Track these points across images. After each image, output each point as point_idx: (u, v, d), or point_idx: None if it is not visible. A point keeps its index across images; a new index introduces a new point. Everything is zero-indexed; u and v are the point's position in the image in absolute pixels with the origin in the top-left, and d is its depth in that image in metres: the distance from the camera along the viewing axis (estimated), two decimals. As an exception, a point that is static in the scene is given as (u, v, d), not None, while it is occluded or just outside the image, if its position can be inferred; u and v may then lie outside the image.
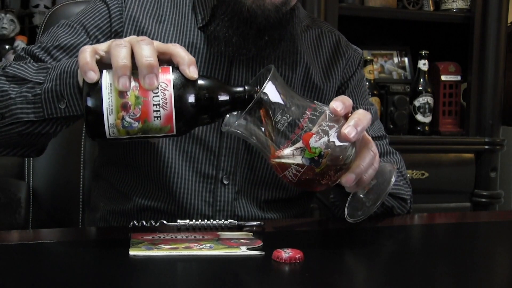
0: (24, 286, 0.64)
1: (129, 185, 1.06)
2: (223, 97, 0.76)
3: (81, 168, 1.32)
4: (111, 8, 1.02)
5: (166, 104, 0.72)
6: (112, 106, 0.71)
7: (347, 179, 0.78)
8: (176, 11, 1.05)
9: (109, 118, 0.71)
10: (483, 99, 2.16)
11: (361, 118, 0.76)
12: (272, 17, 0.96)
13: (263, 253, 0.75)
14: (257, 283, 0.69)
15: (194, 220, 0.88)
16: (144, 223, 0.86)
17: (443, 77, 2.20)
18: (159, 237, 0.81)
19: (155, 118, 0.72)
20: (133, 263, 0.72)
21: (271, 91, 0.75)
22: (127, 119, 0.71)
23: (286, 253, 0.72)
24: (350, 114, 0.78)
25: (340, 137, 0.75)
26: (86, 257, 0.76)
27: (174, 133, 0.74)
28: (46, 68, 0.86)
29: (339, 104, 0.76)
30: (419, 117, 2.17)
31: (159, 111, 0.72)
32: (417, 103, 2.16)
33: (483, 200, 2.15)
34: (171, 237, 0.82)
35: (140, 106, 0.71)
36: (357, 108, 1.11)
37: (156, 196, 1.04)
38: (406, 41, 2.37)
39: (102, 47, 0.75)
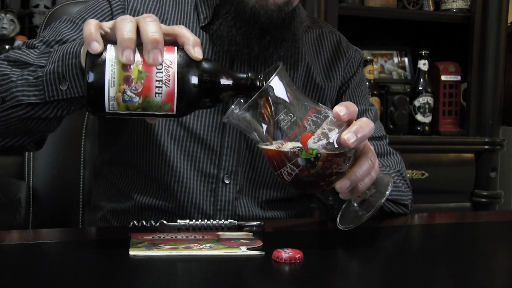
0: (24, 286, 0.64)
1: (129, 184, 1.06)
2: (225, 81, 0.76)
3: (81, 168, 1.32)
4: (113, 6, 1.03)
5: (169, 81, 0.72)
6: (114, 78, 0.70)
7: (341, 185, 0.77)
8: (178, 10, 1.05)
9: (110, 91, 0.70)
10: (483, 99, 2.16)
11: (363, 126, 0.75)
12: (275, 17, 0.96)
13: (263, 253, 0.75)
14: (257, 283, 0.69)
15: (194, 220, 0.88)
16: (144, 223, 0.86)
17: (443, 77, 2.20)
18: (159, 237, 0.81)
19: (157, 95, 0.72)
20: (133, 263, 0.72)
21: (276, 86, 0.75)
22: (128, 93, 0.71)
23: (286, 253, 0.72)
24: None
25: (339, 142, 0.74)
26: (86, 257, 0.76)
27: (174, 112, 0.74)
28: (48, 52, 0.86)
29: (342, 109, 0.75)
30: (419, 117, 2.17)
31: (161, 87, 0.71)
32: (417, 103, 2.16)
33: (483, 200, 2.15)
34: (171, 237, 0.82)
35: (142, 81, 0.71)
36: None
37: (157, 195, 1.04)
38: (406, 41, 2.37)
39: (107, 24, 0.75)
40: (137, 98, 0.71)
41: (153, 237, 0.81)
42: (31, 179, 1.31)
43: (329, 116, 0.76)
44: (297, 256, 0.72)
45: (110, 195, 1.10)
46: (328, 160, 0.75)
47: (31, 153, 1.31)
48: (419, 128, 2.17)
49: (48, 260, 0.76)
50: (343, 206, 0.87)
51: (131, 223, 0.86)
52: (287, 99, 0.75)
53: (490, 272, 0.77)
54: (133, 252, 0.74)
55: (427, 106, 2.16)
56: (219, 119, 1.03)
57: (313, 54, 1.12)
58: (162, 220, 0.88)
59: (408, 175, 2.02)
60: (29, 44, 0.99)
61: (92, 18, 1.01)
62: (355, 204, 0.84)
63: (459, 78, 2.21)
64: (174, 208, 1.03)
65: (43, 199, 1.32)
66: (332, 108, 0.77)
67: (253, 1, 0.95)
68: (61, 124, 0.99)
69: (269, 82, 0.74)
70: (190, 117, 1.02)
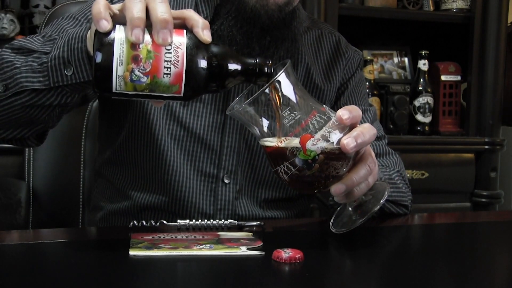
0: (24, 286, 0.64)
1: (129, 184, 1.06)
2: (233, 65, 0.75)
3: (81, 168, 1.32)
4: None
5: (178, 62, 0.71)
6: (122, 57, 0.70)
7: (336, 189, 0.77)
8: (179, 9, 1.05)
9: (118, 70, 0.70)
10: (483, 99, 2.16)
11: (364, 132, 0.75)
12: (275, 17, 0.96)
13: (263, 253, 0.75)
14: (257, 283, 0.69)
15: (194, 220, 0.88)
16: (144, 223, 0.86)
17: (443, 77, 2.20)
18: (159, 237, 0.81)
19: (165, 75, 0.71)
20: (133, 263, 0.72)
21: (283, 82, 0.75)
22: (136, 72, 0.70)
23: (286, 253, 0.72)
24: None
25: (339, 146, 0.74)
26: (86, 257, 0.76)
27: (182, 94, 0.73)
28: (53, 39, 0.85)
29: (345, 112, 0.75)
30: (419, 117, 2.17)
31: (170, 68, 0.71)
32: (417, 103, 2.16)
33: (483, 200, 2.16)
34: (171, 237, 0.82)
35: (151, 61, 0.71)
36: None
37: (156, 194, 1.04)
38: (406, 41, 2.37)
39: (116, 6, 0.75)
40: (145, 78, 0.71)
41: (153, 237, 0.81)
42: (31, 179, 1.31)
43: (332, 118, 0.75)
44: (297, 256, 0.72)
45: (110, 195, 1.10)
46: (326, 163, 0.74)
47: (31, 153, 1.31)
48: (419, 128, 2.17)
49: (48, 260, 0.76)
50: (338, 209, 0.87)
51: (131, 223, 0.86)
52: (292, 96, 0.75)
53: (490, 272, 0.77)
54: (133, 252, 0.74)
55: (427, 106, 2.16)
56: (219, 119, 1.03)
57: (312, 55, 1.12)
58: (162, 220, 0.88)
59: (408, 175, 2.02)
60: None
61: None
62: (350, 209, 0.84)
63: (459, 78, 2.21)
64: (174, 208, 1.03)
65: (43, 199, 1.32)
66: (333, 110, 0.77)
67: (254, 1, 0.95)
68: (61, 124, 0.99)
69: (277, 77, 0.74)
70: (190, 117, 1.02)
